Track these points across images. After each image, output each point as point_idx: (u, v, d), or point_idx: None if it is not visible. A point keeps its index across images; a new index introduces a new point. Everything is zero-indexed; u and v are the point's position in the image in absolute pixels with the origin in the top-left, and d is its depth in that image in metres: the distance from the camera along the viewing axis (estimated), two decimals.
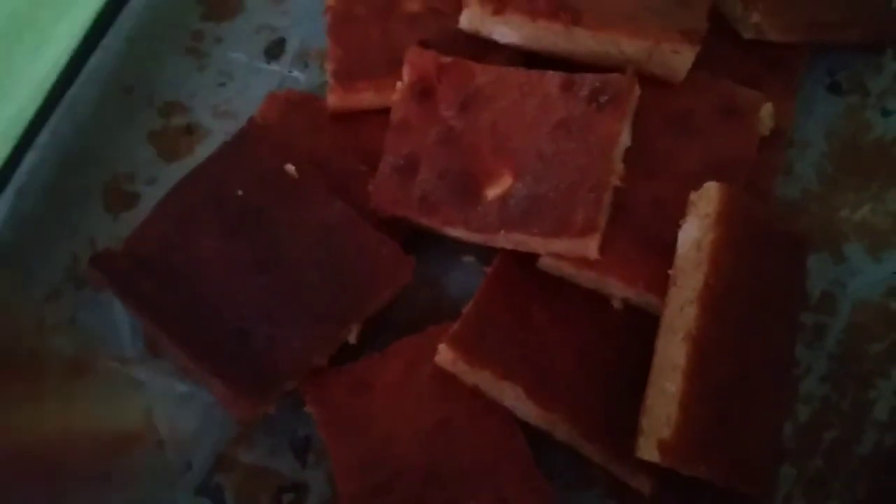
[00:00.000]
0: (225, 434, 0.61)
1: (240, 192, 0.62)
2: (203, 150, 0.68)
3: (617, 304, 0.60)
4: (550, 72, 0.61)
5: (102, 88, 0.69)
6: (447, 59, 0.64)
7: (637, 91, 0.60)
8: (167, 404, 0.62)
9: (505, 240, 0.59)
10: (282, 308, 0.59)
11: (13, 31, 0.72)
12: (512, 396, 0.56)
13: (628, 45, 0.62)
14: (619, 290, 0.59)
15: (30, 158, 0.65)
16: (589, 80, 0.60)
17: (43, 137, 0.66)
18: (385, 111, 0.65)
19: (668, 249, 0.57)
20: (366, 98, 0.66)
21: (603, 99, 0.59)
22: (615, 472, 0.56)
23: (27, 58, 0.71)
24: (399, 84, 0.64)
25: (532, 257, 0.60)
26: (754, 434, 0.54)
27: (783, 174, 0.67)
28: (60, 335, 0.64)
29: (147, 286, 0.60)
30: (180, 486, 0.60)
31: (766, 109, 0.63)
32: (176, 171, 0.66)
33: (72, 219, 0.67)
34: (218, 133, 0.71)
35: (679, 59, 0.61)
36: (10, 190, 0.65)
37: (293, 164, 0.63)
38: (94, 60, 0.69)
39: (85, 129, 0.68)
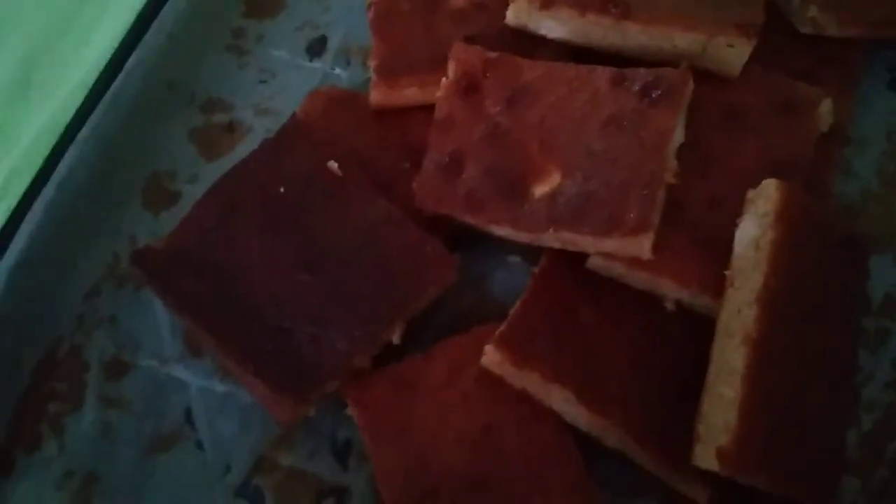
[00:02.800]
0: (265, 435, 0.60)
1: (282, 190, 0.61)
2: (244, 148, 0.68)
3: (670, 306, 0.57)
4: (600, 67, 0.60)
5: (144, 85, 0.69)
6: (493, 55, 0.62)
7: (691, 85, 0.58)
8: (207, 404, 0.61)
9: (553, 238, 0.57)
10: (324, 307, 0.58)
11: (57, 27, 0.73)
12: (561, 400, 0.54)
13: (681, 39, 0.60)
14: (672, 290, 0.57)
15: (71, 154, 0.65)
16: (641, 75, 0.58)
17: (84, 133, 0.66)
18: (429, 107, 0.63)
19: (723, 249, 0.55)
20: (410, 94, 0.65)
21: (655, 94, 0.57)
22: (669, 480, 0.54)
23: (70, 54, 0.71)
24: (444, 80, 0.63)
25: (580, 257, 0.58)
26: (816, 442, 0.52)
27: (841, 173, 0.65)
28: (101, 333, 0.63)
29: (187, 284, 0.59)
30: (219, 488, 0.59)
31: (826, 105, 0.61)
32: (217, 170, 0.65)
33: (112, 216, 0.67)
34: (259, 131, 0.70)
35: (734, 53, 0.60)
36: (51, 185, 0.64)
37: (336, 162, 0.62)
38: (135, 57, 0.69)
39: (126, 125, 0.67)
